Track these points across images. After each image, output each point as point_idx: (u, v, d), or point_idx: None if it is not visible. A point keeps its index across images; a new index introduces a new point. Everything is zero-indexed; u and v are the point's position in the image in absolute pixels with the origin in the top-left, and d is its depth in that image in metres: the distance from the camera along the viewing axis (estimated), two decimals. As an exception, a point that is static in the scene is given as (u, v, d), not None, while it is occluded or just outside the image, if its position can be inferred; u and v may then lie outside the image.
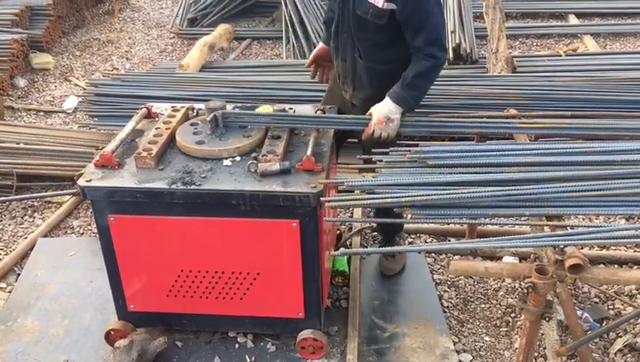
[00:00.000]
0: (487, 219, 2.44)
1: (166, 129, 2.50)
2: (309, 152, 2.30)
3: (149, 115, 2.73)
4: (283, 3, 6.29)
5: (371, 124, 2.47)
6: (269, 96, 4.35)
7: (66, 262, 3.15)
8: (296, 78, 4.73)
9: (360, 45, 2.56)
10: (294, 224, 2.23)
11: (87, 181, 2.24)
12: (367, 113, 2.50)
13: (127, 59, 5.95)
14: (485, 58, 5.17)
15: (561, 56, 5.22)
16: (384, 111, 2.46)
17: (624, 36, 5.87)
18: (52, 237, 3.42)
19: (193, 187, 2.18)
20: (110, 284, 2.47)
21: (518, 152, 2.35)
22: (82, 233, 3.45)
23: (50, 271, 3.10)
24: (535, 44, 5.90)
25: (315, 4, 6.15)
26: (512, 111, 2.79)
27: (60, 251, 3.24)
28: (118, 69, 5.70)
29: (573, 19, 6.29)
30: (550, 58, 5.19)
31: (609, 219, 3.14)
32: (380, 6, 2.41)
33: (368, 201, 2.11)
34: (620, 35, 5.88)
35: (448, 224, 3.20)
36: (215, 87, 4.50)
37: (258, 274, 2.36)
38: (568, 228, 2.01)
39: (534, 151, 2.34)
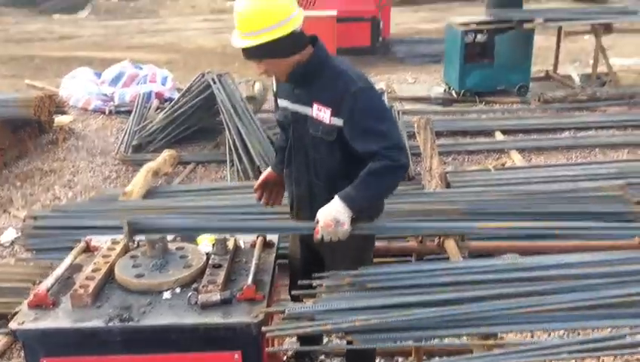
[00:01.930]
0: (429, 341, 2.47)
1: (105, 263, 2.48)
2: (249, 281, 2.32)
3: (88, 249, 2.71)
4: (226, 128, 6.51)
5: (318, 228, 2.36)
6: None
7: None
8: (241, 202, 4.81)
9: (315, 166, 2.57)
10: (236, 356, 2.19)
11: (19, 323, 2.16)
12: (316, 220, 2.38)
13: (69, 187, 5.93)
14: (421, 175, 5.42)
15: (490, 171, 5.53)
16: (332, 213, 2.33)
17: (547, 150, 6.30)
18: (-20, 381, 3.22)
19: (131, 323, 2.14)
20: None
21: (454, 271, 2.44)
22: (14, 375, 3.26)
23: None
24: (467, 159, 6.25)
25: (258, 128, 6.39)
26: (446, 230, 2.92)
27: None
28: (59, 198, 5.66)
29: (499, 136, 6.73)
30: (481, 173, 5.49)
31: (547, 333, 3.20)
32: (327, 122, 2.44)
33: (309, 329, 2.12)
34: (542, 150, 6.31)
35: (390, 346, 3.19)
36: (159, 214, 4.51)
37: (201, 411, 2.27)
38: (506, 346, 2.06)
39: (469, 270, 2.43)
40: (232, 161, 6.18)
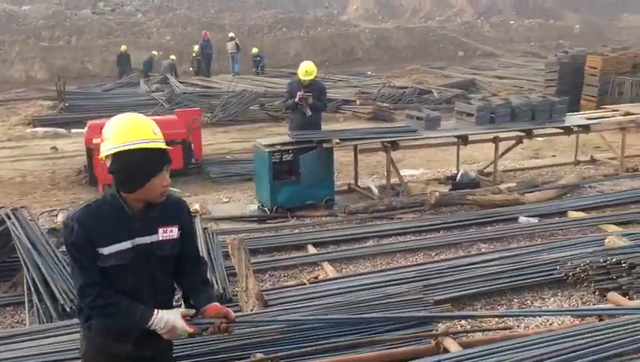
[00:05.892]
0: None
1: None
2: None
3: None
4: (24, 266, 5.95)
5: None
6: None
7: None
8: (44, 349, 4.36)
9: (162, 286, 2.67)
10: None
11: None
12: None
13: None
14: (238, 296, 5.40)
15: (305, 284, 5.70)
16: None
17: (355, 259, 6.69)
18: None
19: None
20: None
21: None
22: None
23: None
24: (283, 275, 6.39)
25: (60, 263, 5.95)
26: (258, 356, 2.92)
27: None
28: None
29: (312, 249, 7.02)
30: (297, 288, 5.63)
31: None
32: (176, 237, 2.63)
33: None
34: (352, 259, 6.69)
35: None
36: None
37: None
38: None
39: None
40: (31, 301, 5.62)
